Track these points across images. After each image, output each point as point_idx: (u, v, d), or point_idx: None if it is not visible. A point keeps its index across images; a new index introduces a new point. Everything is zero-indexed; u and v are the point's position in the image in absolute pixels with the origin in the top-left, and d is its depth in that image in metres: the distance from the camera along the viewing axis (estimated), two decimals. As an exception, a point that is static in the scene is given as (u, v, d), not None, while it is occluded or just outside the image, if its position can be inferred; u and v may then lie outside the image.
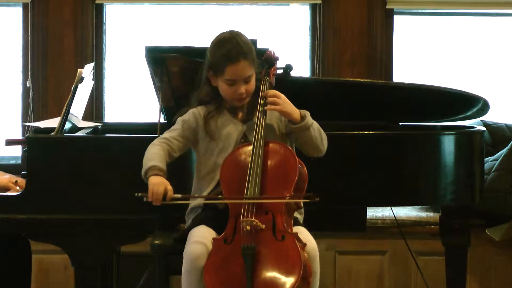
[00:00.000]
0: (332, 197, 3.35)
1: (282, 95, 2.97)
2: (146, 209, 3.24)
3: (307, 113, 2.99)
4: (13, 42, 4.93)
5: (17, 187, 3.40)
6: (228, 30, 3.06)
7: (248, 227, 2.76)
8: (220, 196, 2.92)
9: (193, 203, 3.07)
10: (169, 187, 2.86)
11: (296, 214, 2.98)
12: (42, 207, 3.24)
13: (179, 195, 2.88)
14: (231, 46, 2.98)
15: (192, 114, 3.09)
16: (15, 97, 4.92)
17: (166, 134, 3.05)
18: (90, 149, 3.31)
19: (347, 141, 3.45)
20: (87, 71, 3.53)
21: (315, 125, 2.99)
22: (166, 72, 3.45)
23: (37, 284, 4.39)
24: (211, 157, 3.05)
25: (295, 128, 2.97)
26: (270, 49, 3.13)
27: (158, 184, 2.85)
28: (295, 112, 2.96)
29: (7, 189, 3.40)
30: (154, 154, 2.96)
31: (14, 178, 3.46)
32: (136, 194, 2.85)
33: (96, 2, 4.86)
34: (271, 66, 3.10)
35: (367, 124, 3.82)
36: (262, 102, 2.97)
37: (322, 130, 3.02)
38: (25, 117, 4.82)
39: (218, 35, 3.06)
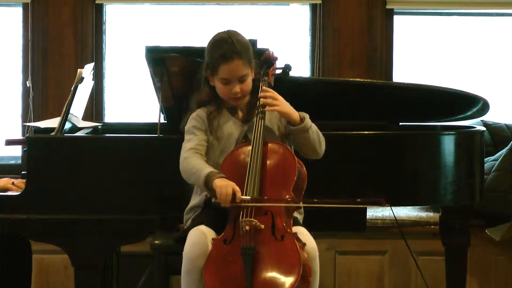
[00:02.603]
0: (332, 197, 3.35)
1: (280, 96, 2.97)
2: (146, 209, 3.26)
3: (306, 116, 2.99)
4: (13, 42, 4.93)
5: (14, 190, 3.40)
6: (225, 30, 3.07)
7: (247, 227, 2.77)
8: (288, 197, 2.83)
9: (193, 202, 3.07)
10: (237, 188, 2.82)
11: (295, 214, 2.98)
12: (42, 207, 3.24)
13: (248, 197, 2.81)
14: (226, 45, 2.99)
15: (197, 117, 3.08)
16: (15, 97, 4.92)
17: (188, 145, 3.02)
18: (90, 149, 3.31)
19: (347, 141, 3.45)
20: (87, 71, 3.53)
21: (314, 127, 2.99)
22: (166, 72, 3.45)
23: (37, 284, 4.39)
24: (213, 157, 3.05)
25: (294, 130, 2.97)
26: (269, 49, 3.13)
27: (226, 186, 2.80)
28: (294, 113, 2.96)
29: (6, 190, 3.41)
30: (199, 164, 2.93)
31: (11, 180, 3.46)
32: (205, 195, 2.82)
33: (96, 2, 4.86)
34: (270, 66, 3.10)
35: (367, 124, 3.82)
36: (260, 102, 2.97)
37: (320, 133, 3.02)
38: (25, 117, 4.82)
39: (215, 35, 3.07)
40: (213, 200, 2.86)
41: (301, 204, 2.88)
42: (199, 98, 3.12)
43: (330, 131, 3.19)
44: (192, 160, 2.96)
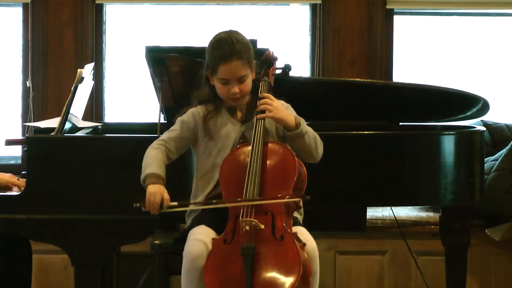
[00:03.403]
0: (332, 197, 3.36)
1: (275, 102, 2.97)
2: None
3: (302, 121, 2.97)
4: (13, 42, 4.93)
5: (18, 185, 3.41)
6: (227, 30, 3.07)
7: (247, 227, 2.76)
8: (214, 200, 2.91)
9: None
10: (166, 196, 2.85)
11: (295, 214, 2.98)
12: (42, 207, 3.24)
13: (176, 203, 2.87)
14: (225, 45, 2.98)
15: (191, 114, 3.09)
16: (15, 97, 4.92)
17: (164, 136, 3.04)
18: (90, 149, 3.31)
19: (347, 141, 3.45)
20: (87, 71, 3.53)
21: (310, 132, 2.98)
22: (166, 72, 3.45)
23: (37, 284, 4.40)
24: (210, 157, 3.05)
25: (289, 135, 2.96)
26: (269, 49, 3.13)
27: (155, 194, 2.84)
28: (289, 119, 2.95)
29: (7, 187, 3.41)
30: (153, 159, 2.95)
31: (15, 176, 3.47)
32: (134, 205, 2.84)
33: (96, 2, 4.86)
34: (270, 66, 3.10)
35: (367, 124, 3.82)
36: (257, 109, 2.97)
37: (318, 137, 3.01)
38: (25, 117, 4.82)
39: (216, 34, 3.06)
40: (143, 209, 2.84)
41: (230, 204, 2.87)
42: (199, 96, 3.11)
43: (330, 131, 3.19)
44: (152, 152, 2.98)
